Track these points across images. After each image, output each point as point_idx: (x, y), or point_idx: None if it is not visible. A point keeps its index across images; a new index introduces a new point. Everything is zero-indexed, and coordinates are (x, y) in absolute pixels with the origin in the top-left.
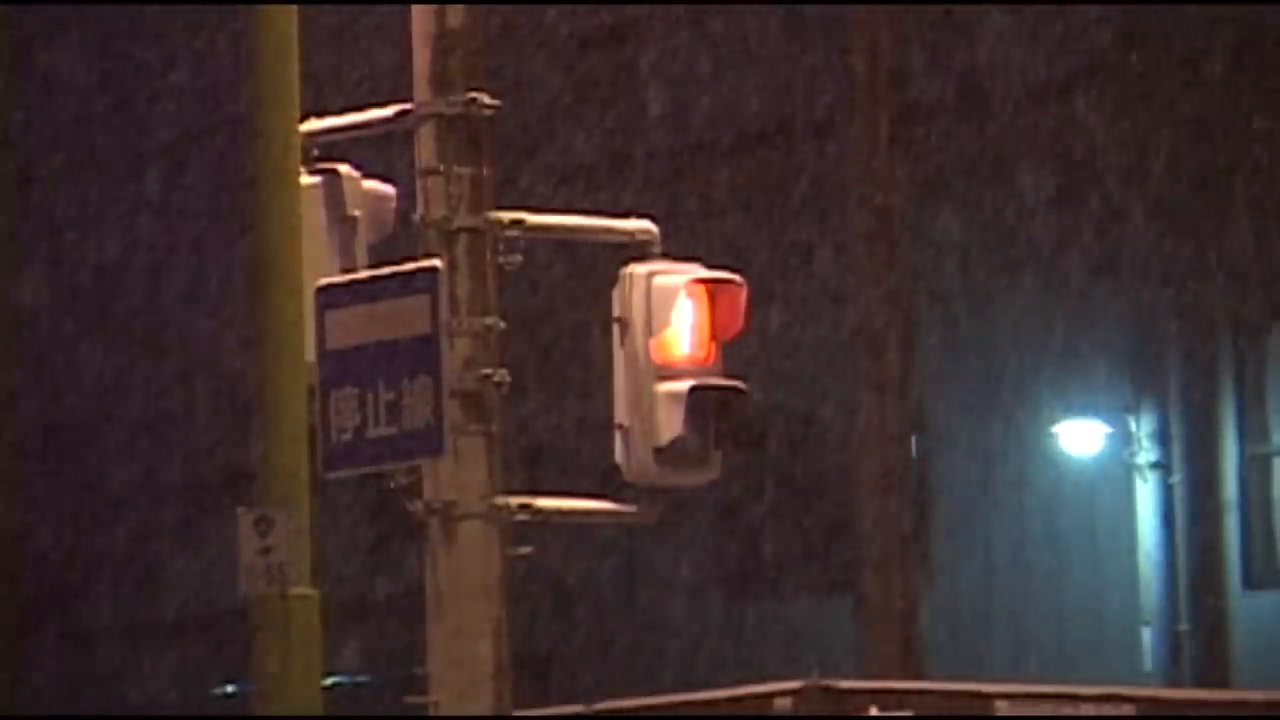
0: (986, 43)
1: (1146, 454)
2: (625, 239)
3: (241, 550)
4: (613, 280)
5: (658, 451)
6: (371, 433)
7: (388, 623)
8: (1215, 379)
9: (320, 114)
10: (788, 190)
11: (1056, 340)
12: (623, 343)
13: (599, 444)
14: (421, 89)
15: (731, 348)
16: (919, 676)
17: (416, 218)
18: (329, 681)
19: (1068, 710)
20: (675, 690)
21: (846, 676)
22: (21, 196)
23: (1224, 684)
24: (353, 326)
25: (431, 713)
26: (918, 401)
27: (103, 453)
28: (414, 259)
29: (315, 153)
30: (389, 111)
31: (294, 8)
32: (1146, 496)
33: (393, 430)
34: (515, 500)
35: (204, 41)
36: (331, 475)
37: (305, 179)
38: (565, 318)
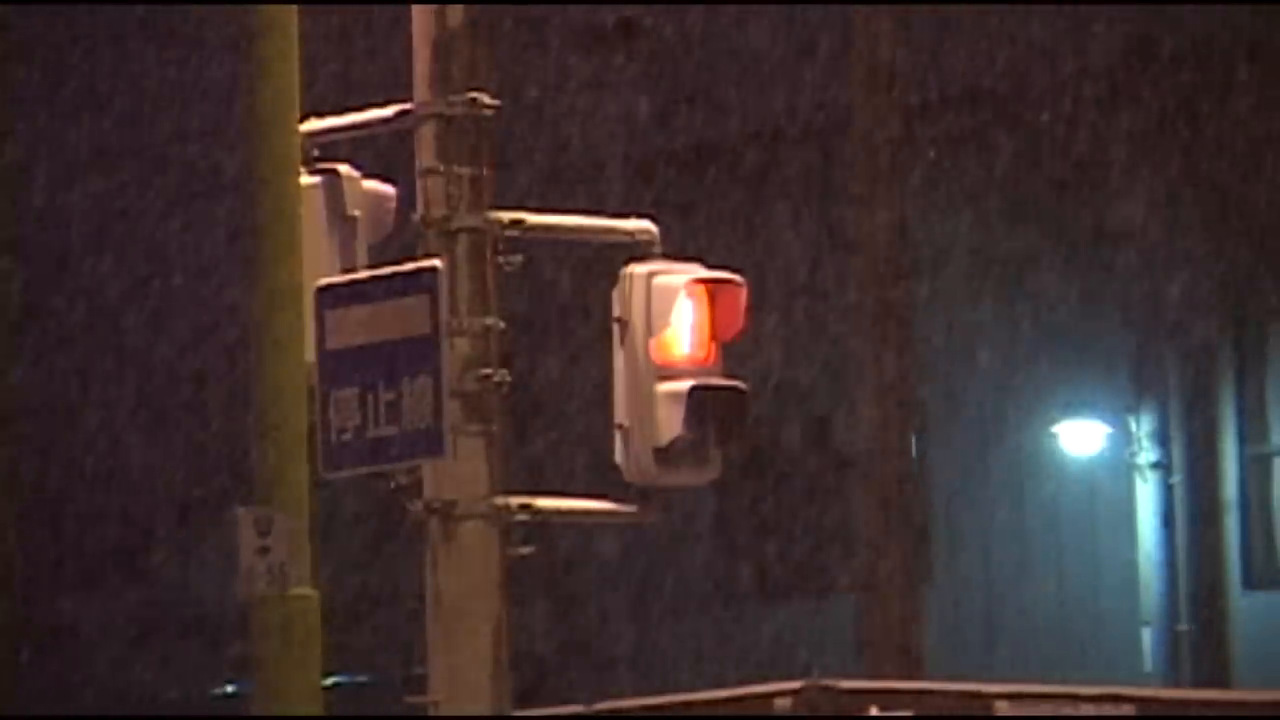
0: (986, 42)
1: (1146, 454)
2: (625, 239)
3: (241, 550)
4: (613, 280)
5: (658, 451)
6: (371, 433)
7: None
8: (1215, 379)
9: (320, 114)
10: (787, 191)
11: (1056, 340)
12: (623, 343)
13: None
14: (421, 89)
15: (732, 348)
16: (919, 676)
17: (416, 218)
18: (329, 681)
19: (1068, 710)
20: (675, 690)
21: (846, 676)
22: (19, 193)
23: (1224, 684)
24: (353, 326)
25: (431, 713)
26: (918, 402)
27: (102, 450)
28: (414, 259)
29: (315, 153)
30: (389, 111)
31: (294, 8)
32: (1146, 496)
33: (393, 430)
34: (515, 500)
35: (204, 40)
36: (331, 475)
37: (305, 179)
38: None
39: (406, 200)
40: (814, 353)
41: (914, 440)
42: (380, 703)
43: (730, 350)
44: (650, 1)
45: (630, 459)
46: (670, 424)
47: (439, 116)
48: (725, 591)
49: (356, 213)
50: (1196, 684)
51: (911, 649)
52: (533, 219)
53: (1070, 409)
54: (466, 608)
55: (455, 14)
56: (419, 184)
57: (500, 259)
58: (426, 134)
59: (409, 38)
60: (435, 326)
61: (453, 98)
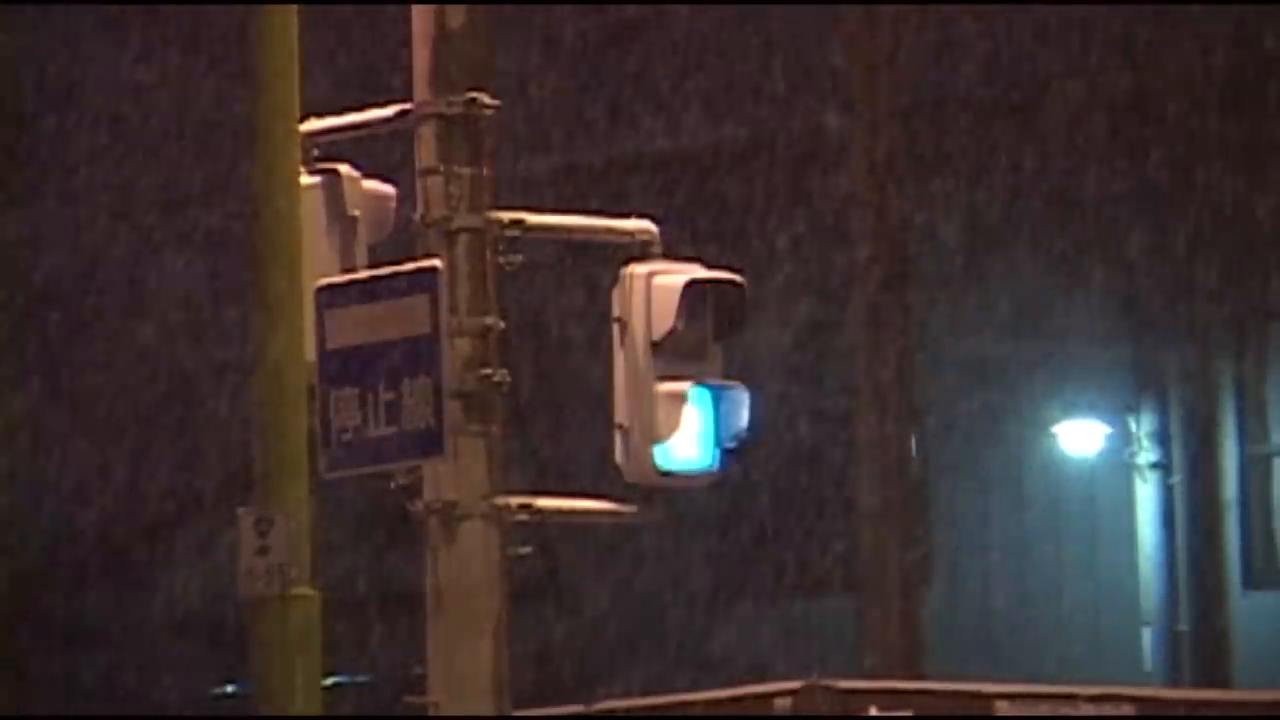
0: (983, 41)
1: (1146, 454)
2: (625, 239)
3: (241, 551)
4: (613, 280)
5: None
6: (371, 433)
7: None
8: (1215, 379)
9: (320, 114)
10: (786, 194)
11: (1056, 340)
12: (623, 343)
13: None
14: (421, 89)
15: (732, 348)
16: (919, 676)
17: (416, 218)
18: (329, 681)
19: (1067, 710)
20: (675, 690)
21: (846, 676)
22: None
23: (1224, 684)
24: (353, 326)
25: (431, 713)
26: (918, 401)
27: (102, 449)
28: (414, 259)
29: (315, 153)
30: (389, 111)
31: (294, 8)
32: (1146, 496)
33: (393, 430)
34: (515, 500)
35: (203, 40)
36: (331, 475)
37: (305, 179)
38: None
39: (406, 200)
40: (814, 352)
41: (914, 440)
42: (380, 703)
43: (730, 350)
44: (650, 1)
45: (630, 459)
46: (670, 424)
47: (439, 116)
48: (724, 590)
49: (356, 213)
50: (1196, 684)
51: (911, 649)
52: (533, 219)
53: (1070, 409)
54: (466, 608)
55: (455, 14)
56: (419, 184)
57: (500, 259)
58: (426, 134)
59: (409, 38)
60: (435, 326)
61: (453, 98)
